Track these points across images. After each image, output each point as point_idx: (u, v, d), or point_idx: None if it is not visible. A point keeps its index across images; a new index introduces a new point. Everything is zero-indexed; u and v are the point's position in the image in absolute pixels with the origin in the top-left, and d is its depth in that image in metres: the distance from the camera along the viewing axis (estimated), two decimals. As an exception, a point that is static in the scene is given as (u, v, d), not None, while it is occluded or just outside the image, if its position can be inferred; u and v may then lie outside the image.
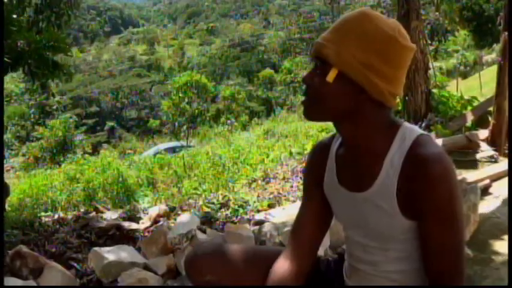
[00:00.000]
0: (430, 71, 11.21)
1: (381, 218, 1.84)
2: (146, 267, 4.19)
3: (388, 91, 1.77)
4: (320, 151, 2.14)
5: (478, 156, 7.99)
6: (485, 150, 8.06)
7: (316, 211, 2.13)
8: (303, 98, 1.93)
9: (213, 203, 6.49)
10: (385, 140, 1.82)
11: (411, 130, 1.82)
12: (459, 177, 6.15)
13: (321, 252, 3.92)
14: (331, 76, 1.76)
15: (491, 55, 39.81)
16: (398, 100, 11.60)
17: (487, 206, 5.78)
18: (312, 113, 1.89)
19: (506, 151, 8.16)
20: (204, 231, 4.77)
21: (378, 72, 1.74)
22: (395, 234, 1.84)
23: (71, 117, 30.81)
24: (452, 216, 1.71)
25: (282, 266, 2.09)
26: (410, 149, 1.75)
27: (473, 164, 7.77)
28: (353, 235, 2.04)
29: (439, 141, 8.39)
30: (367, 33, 1.76)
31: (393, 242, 1.87)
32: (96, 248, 4.29)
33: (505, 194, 6.14)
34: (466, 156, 8.09)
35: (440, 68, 32.57)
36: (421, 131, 1.82)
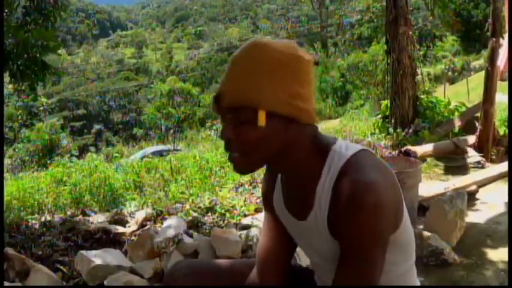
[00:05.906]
0: (418, 77, 11.25)
1: (322, 243, 1.79)
2: (132, 271, 4.18)
3: (313, 110, 1.72)
4: (271, 171, 2.08)
5: (465, 162, 8.03)
6: (472, 156, 8.10)
7: (277, 225, 2.08)
8: (230, 155, 1.76)
9: (199, 207, 6.47)
10: (317, 167, 1.74)
11: (340, 154, 1.71)
12: (446, 184, 6.18)
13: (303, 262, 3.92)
14: (261, 119, 1.63)
15: (479, 61, 39.98)
16: (383, 105, 11.65)
17: (473, 211, 5.82)
18: (248, 165, 1.76)
19: (493, 157, 8.21)
20: (190, 236, 4.77)
21: (299, 95, 1.67)
22: (337, 256, 1.75)
23: (58, 120, 30.68)
24: (361, 251, 1.62)
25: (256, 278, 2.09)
26: (337, 177, 1.67)
27: (460, 170, 7.80)
28: (308, 255, 2.05)
29: (421, 149, 8.41)
30: (272, 62, 1.65)
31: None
32: (82, 251, 4.27)
33: (491, 200, 6.18)
34: (453, 162, 8.13)
35: (428, 74, 32.65)
36: (352, 152, 1.72)
